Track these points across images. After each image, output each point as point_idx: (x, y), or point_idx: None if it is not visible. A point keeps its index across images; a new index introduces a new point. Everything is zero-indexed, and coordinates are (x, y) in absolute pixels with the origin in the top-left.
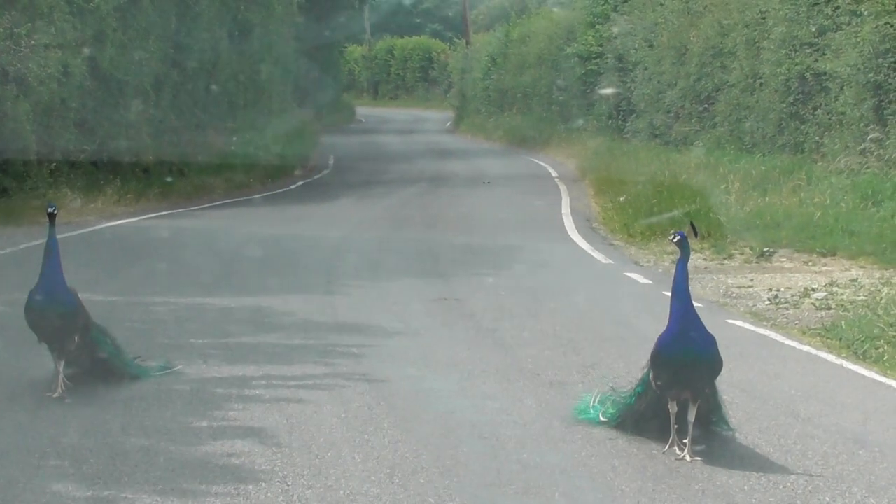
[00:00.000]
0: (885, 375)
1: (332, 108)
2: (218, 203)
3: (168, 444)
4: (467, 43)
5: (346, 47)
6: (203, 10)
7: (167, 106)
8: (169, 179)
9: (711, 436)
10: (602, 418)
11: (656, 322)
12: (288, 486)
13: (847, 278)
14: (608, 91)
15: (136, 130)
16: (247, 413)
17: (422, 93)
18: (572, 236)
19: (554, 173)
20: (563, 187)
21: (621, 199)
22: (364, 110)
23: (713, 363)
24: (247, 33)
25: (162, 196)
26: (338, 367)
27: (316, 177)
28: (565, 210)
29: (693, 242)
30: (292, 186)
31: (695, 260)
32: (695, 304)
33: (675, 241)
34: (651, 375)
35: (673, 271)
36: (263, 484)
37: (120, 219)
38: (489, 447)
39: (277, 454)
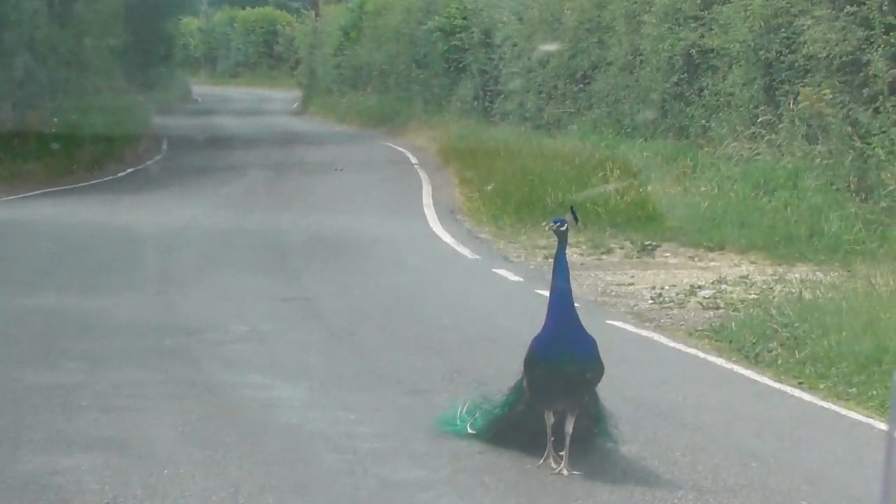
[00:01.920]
0: (779, 381)
1: (166, 87)
2: (39, 192)
3: None
4: (316, 15)
5: (180, 19)
6: None
7: None
8: None
9: (592, 449)
10: (470, 430)
11: (529, 323)
12: None
13: (737, 275)
14: (549, 48)
15: None
16: (72, 426)
17: (266, 70)
18: (435, 229)
19: (414, 159)
20: (423, 175)
21: (488, 188)
22: (201, 89)
23: (594, 369)
24: (69, 3)
25: None
26: (175, 374)
27: (148, 163)
28: (427, 200)
29: (571, 235)
30: (121, 174)
31: (570, 255)
32: None
33: (557, 228)
34: (525, 383)
35: (546, 267)
36: None
37: None
38: (345, 463)
39: (107, 472)
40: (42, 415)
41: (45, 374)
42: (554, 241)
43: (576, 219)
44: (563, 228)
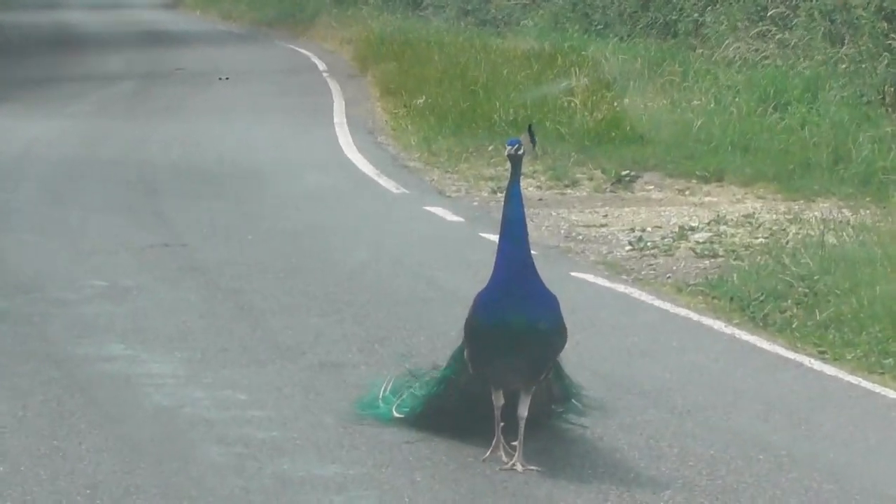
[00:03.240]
0: (794, 349)
1: None
2: None
3: None
4: None
5: None
6: None
7: None
8: None
9: (553, 437)
10: (396, 413)
11: (472, 276)
12: None
13: (739, 213)
14: None
15: None
16: None
17: None
18: (349, 155)
19: (321, 66)
20: (334, 86)
21: (418, 101)
22: None
23: (554, 335)
24: None
25: None
26: (11, 345)
27: None
28: (339, 118)
29: (527, 162)
30: None
31: (525, 188)
32: None
33: (514, 151)
34: (466, 353)
35: (494, 204)
36: None
37: None
38: (233, 457)
39: None
40: None
41: None
42: (505, 170)
43: (533, 141)
44: (520, 152)
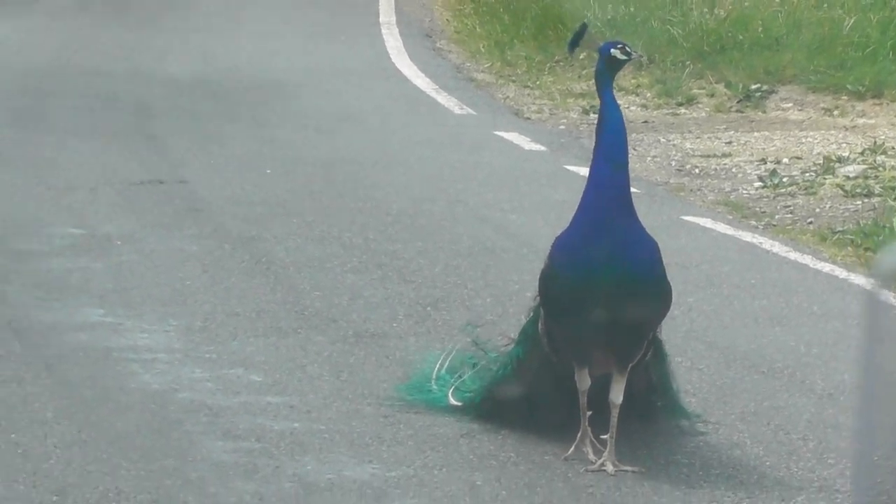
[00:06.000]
0: None
1: None
2: None
3: None
4: None
5: None
6: None
7: None
8: None
9: (652, 427)
10: (453, 400)
11: (554, 221)
12: None
13: None
14: None
15: None
16: None
17: None
18: (399, 64)
19: None
20: None
21: None
22: None
23: (657, 293)
24: None
25: None
26: None
27: None
28: (385, 15)
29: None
30: None
31: (626, 106)
32: None
33: (622, 50)
34: (541, 320)
35: (585, 128)
36: None
37: None
38: (244, 454)
39: None
40: None
41: None
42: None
43: (574, 44)
44: (623, 57)
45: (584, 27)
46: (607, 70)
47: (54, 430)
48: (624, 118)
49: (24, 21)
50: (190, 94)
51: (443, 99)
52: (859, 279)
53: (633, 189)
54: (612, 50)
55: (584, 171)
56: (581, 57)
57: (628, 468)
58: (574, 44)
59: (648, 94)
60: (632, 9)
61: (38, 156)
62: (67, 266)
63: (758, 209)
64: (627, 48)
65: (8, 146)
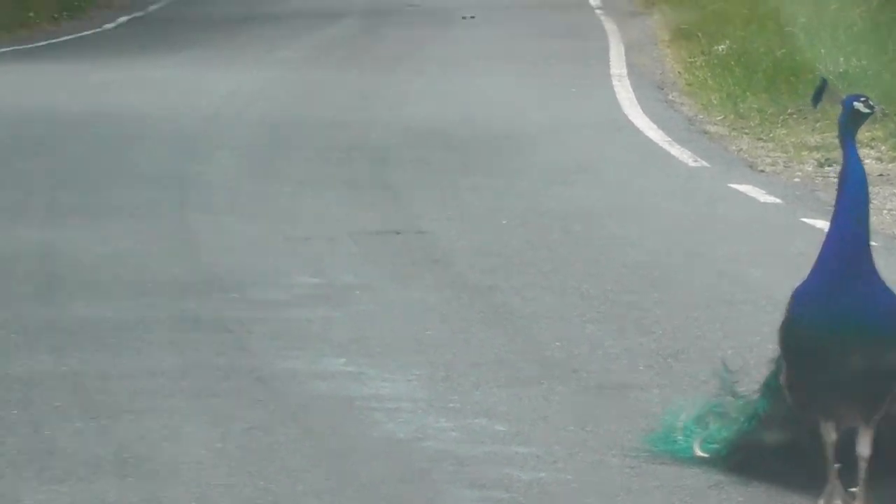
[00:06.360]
0: None
1: None
2: None
3: None
4: None
5: None
6: None
7: None
8: None
9: None
10: (699, 452)
11: (792, 273)
12: None
13: None
14: None
15: None
16: (44, 442)
17: None
18: (632, 117)
19: (594, 1)
20: (611, 26)
21: (720, 47)
22: None
23: None
24: None
25: None
26: (206, 358)
27: (151, 7)
28: (617, 69)
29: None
30: (109, 25)
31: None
32: None
33: (865, 104)
34: (782, 371)
35: (822, 181)
36: None
37: None
38: (494, 503)
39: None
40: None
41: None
42: (835, 137)
43: (817, 99)
44: (866, 110)
45: (824, 82)
46: (850, 123)
47: (303, 478)
48: (866, 172)
49: (258, 72)
50: (425, 144)
51: (676, 151)
52: None
53: (871, 242)
54: (856, 103)
55: (821, 224)
56: (815, 109)
57: None
58: (817, 98)
59: (883, 148)
60: (863, 62)
61: (276, 206)
62: (307, 315)
63: None
64: (870, 101)
65: (246, 197)
